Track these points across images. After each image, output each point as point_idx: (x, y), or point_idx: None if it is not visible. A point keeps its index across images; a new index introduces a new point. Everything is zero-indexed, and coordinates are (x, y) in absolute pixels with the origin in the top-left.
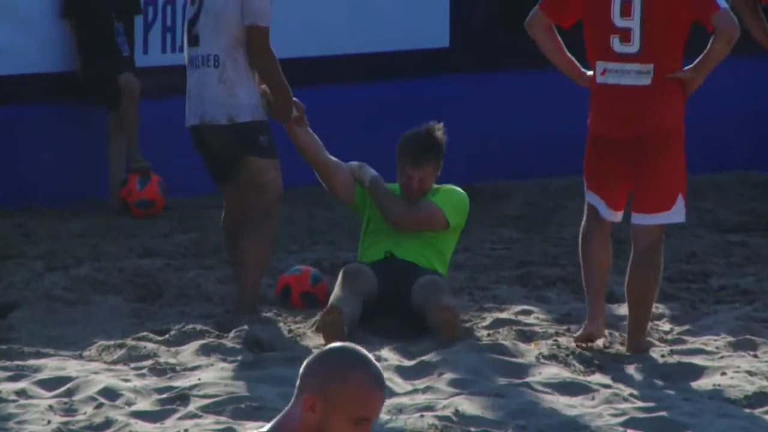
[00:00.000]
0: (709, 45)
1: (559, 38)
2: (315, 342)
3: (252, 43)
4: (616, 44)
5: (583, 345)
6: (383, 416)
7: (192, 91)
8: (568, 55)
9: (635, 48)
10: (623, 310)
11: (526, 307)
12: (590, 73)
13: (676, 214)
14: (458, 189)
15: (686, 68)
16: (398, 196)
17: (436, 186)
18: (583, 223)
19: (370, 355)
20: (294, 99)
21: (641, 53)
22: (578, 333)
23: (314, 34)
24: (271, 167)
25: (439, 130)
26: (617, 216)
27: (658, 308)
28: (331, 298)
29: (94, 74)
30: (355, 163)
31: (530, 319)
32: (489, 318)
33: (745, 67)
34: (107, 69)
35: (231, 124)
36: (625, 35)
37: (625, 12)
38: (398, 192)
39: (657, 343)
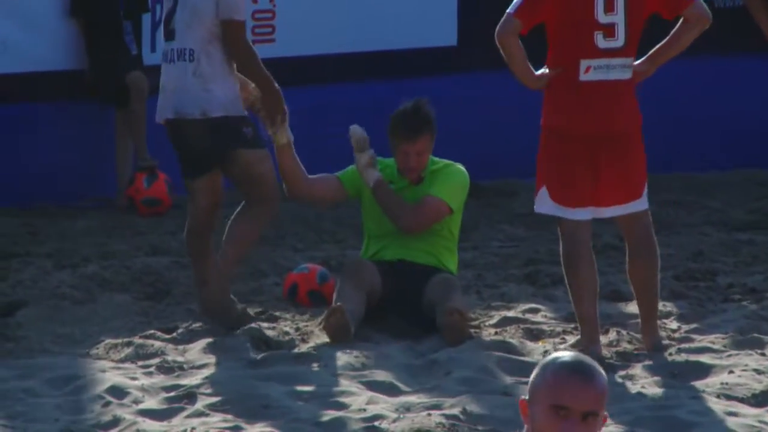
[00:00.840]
0: (675, 34)
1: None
2: (322, 340)
3: (227, 37)
4: (600, 40)
5: None
6: (390, 414)
7: (167, 85)
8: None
9: (620, 42)
10: (631, 308)
11: (533, 305)
12: (540, 72)
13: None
14: (456, 167)
15: (640, 60)
16: (402, 198)
17: (434, 162)
18: (563, 247)
19: (586, 356)
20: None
21: (625, 47)
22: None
23: (320, 32)
24: (263, 157)
25: (427, 103)
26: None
27: (665, 306)
28: (335, 295)
29: (102, 72)
30: (363, 159)
31: (538, 318)
32: (496, 316)
33: (752, 65)
34: (115, 67)
35: (205, 119)
36: (609, 31)
37: (609, 8)
38: (393, 172)
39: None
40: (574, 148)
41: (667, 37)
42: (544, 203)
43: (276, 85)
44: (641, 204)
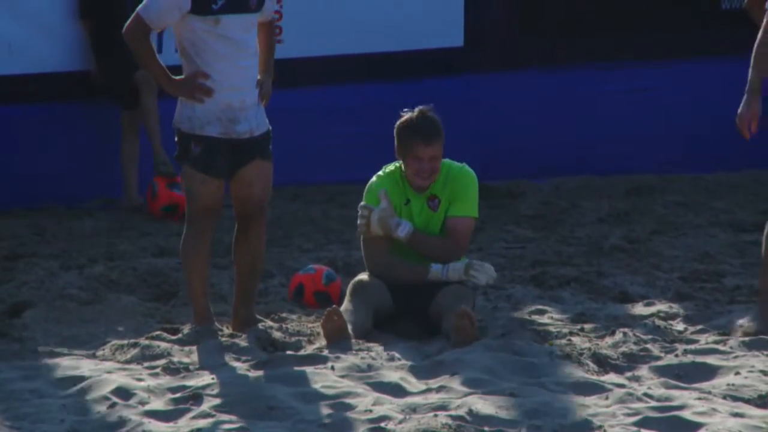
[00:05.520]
0: None
1: None
2: (324, 343)
3: None
4: None
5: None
6: (396, 415)
7: None
8: None
9: None
10: (638, 309)
11: (540, 306)
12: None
13: None
14: (465, 172)
15: None
16: (434, 236)
17: (445, 166)
18: None
19: None
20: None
21: None
22: (745, 326)
23: (328, 33)
24: (197, 179)
25: (431, 110)
26: None
27: (672, 308)
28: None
29: (109, 73)
30: (391, 222)
31: (544, 319)
32: (503, 318)
33: None
34: (122, 68)
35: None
36: None
37: None
38: (407, 189)
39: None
40: None
41: None
42: None
43: (169, 79)
44: None
